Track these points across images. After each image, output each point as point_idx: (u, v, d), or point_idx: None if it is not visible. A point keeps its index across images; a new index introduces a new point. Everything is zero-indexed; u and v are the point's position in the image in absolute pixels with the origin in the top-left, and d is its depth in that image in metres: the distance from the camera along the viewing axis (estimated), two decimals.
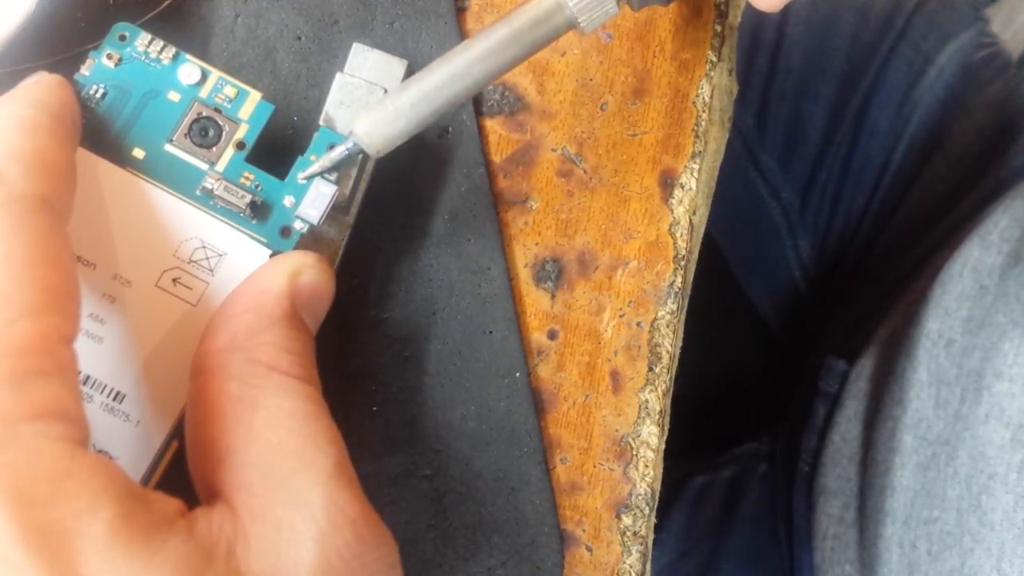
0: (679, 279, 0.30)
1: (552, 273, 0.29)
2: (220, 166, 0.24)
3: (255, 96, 0.25)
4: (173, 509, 0.20)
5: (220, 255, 0.24)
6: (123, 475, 0.19)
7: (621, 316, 0.29)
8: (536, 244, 0.29)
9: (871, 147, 0.58)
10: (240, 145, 0.25)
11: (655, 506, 0.30)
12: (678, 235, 0.30)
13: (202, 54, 0.28)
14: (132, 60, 0.25)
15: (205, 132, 0.24)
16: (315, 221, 0.24)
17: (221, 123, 0.25)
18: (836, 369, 0.52)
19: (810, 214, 0.60)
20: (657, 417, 0.29)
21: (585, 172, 0.30)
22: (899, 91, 0.57)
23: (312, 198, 0.24)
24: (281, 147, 0.28)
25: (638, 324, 0.29)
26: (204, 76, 0.25)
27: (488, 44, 0.24)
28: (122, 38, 0.25)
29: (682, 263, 0.30)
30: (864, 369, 0.49)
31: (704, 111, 0.30)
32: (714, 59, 0.31)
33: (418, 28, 0.29)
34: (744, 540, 0.55)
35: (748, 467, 0.58)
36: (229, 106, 0.25)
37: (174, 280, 0.24)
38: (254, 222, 0.24)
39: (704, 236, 0.31)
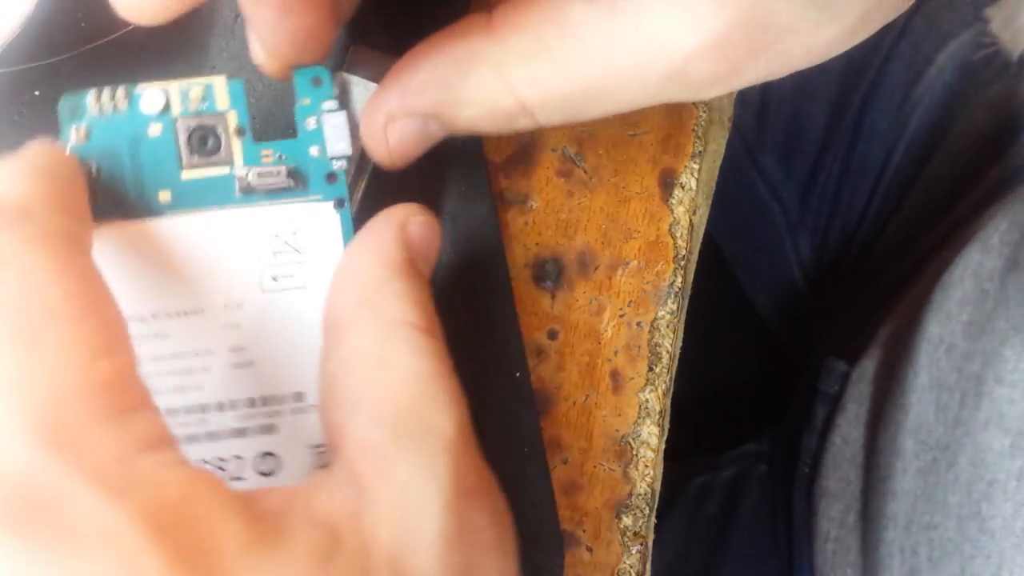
0: (679, 279, 0.30)
1: (552, 273, 0.29)
2: (238, 160, 0.24)
3: (220, 81, 0.24)
4: (285, 495, 0.20)
5: (295, 233, 0.24)
6: (224, 481, 0.19)
7: (621, 316, 0.29)
8: (536, 244, 0.29)
9: (871, 147, 0.58)
10: (240, 132, 0.24)
11: (655, 506, 0.30)
12: (678, 235, 0.30)
13: (202, 55, 0.28)
14: (96, 124, 0.24)
15: (205, 141, 0.24)
16: (349, 151, 0.24)
17: (211, 124, 0.24)
18: (836, 370, 0.52)
19: (810, 214, 0.60)
20: (657, 417, 0.29)
21: (585, 172, 0.30)
22: (899, 91, 0.57)
23: (333, 136, 0.24)
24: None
25: (638, 324, 0.29)
26: (166, 95, 0.24)
27: None
28: (72, 111, 0.24)
29: (682, 263, 0.30)
30: (865, 371, 0.49)
31: (704, 111, 0.30)
32: None
33: (418, 28, 0.29)
34: (744, 541, 0.55)
35: (748, 468, 0.58)
36: (206, 105, 0.24)
37: (274, 278, 0.24)
38: (299, 188, 0.24)
39: (704, 236, 0.31)
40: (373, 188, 0.27)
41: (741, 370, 0.67)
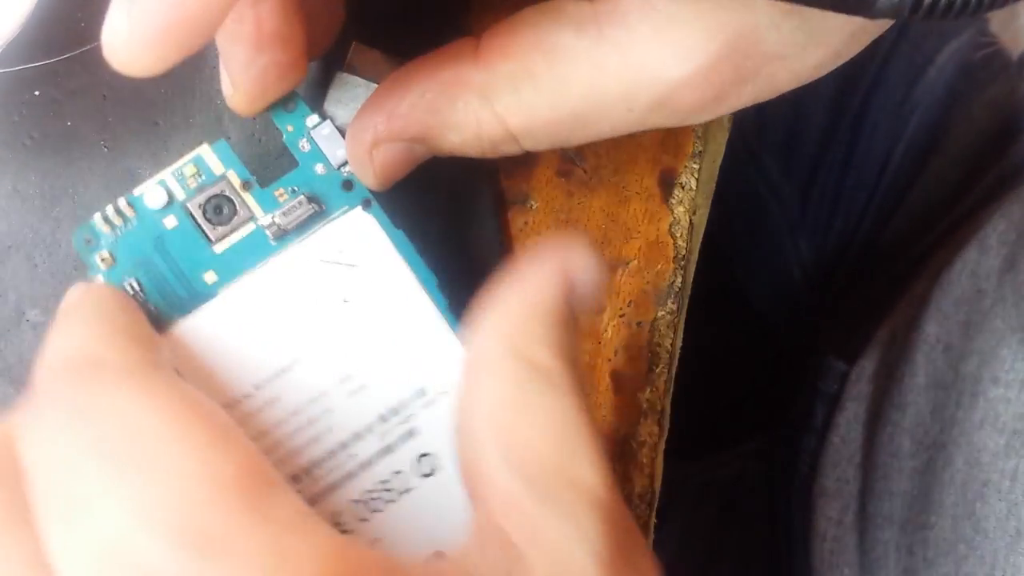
0: (679, 279, 0.30)
1: None
2: (258, 212, 0.24)
3: (206, 149, 0.24)
4: (436, 561, 0.19)
5: (341, 251, 0.24)
6: (376, 551, 0.19)
7: (621, 316, 0.29)
8: (536, 244, 0.29)
9: (871, 146, 0.58)
10: (247, 185, 0.24)
11: (655, 506, 0.30)
12: (678, 235, 0.30)
13: (201, 54, 0.28)
14: (116, 244, 0.24)
15: (220, 210, 0.24)
16: (344, 167, 0.25)
17: (217, 191, 0.24)
18: (835, 369, 0.52)
19: (810, 213, 0.60)
20: (657, 417, 0.29)
21: (585, 172, 0.30)
22: (899, 90, 0.57)
23: (329, 147, 0.25)
24: (280, 147, 0.28)
25: (638, 324, 0.29)
26: (165, 188, 0.24)
27: None
28: (88, 241, 0.24)
29: (682, 263, 0.30)
30: (864, 371, 0.49)
31: None
32: None
33: (418, 28, 0.29)
34: (743, 540, 0.55)
35: (748, 467, 0.58)
36: (204, 177, 0.24)
37: (345, 300, 0.24)
38: (325, 209, 0.25)
39: (704, 236, 0.31)
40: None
41: (741, 370, 0.67)
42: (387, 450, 0.24)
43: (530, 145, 0.24)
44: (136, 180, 0.28)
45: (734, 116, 0.32)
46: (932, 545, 0.41)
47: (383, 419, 0.24)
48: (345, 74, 0.27)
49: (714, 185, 0.32)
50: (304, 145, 0.25)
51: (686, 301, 0.30)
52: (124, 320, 0.22)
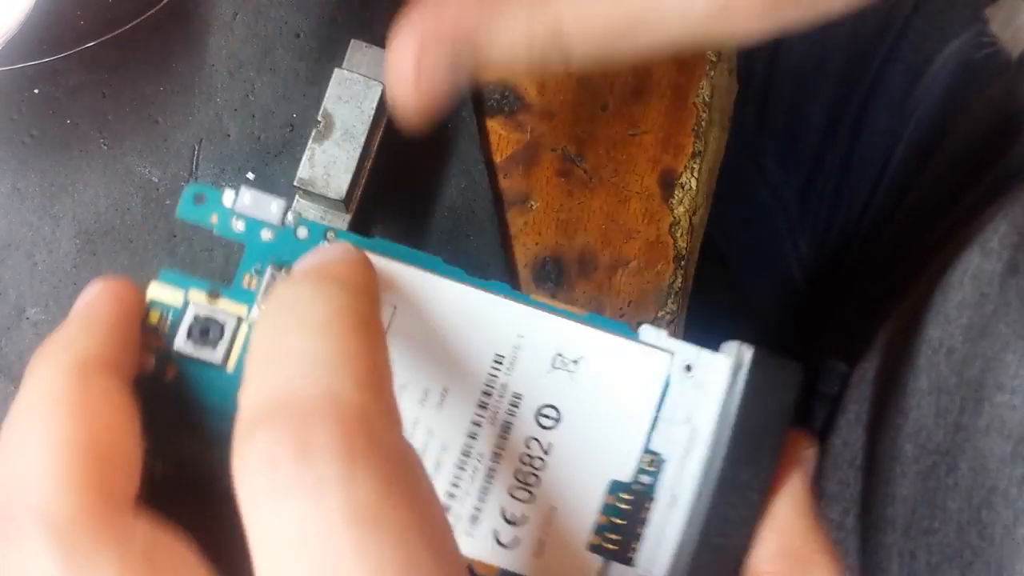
0: (679, 279, 0.30)
1: (552, 273, 0.29)
2: (242, 310, 0.23)
3: (154, 288, 0.23)
4: None
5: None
6: None
7: (621, 316, 0.29)
8: (536, 244, 0.29)
9: (871, 147, 0.57)
10: (214, 295, 0.23)
11: None
12: (678, 235, 0.30)
13: (201, 52, 0.28)
14: (192, 397, 0.22)
15: (207, 333, 0.22)
16: (284, 205, 0.23)
17: (191, 317, 0.22)
18: (836, 371, 0.52)
19: (810, 214, 0.60)
20: None
21: (585, 172, 0.30)
22: (899, 91, 0.57)
23: (262, 211, 0.23)
24: (279, 146, 0.28)
25: (638, 324, 0.29)
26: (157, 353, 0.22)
27: None
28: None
29: (682, 263, 0.30)
30: (866, 373, 0.49)
31: (704, 111, 0.30)
32: (714, 59, 0.31)
33: None
34: None
35: None
36: (171, 315, 0.22)
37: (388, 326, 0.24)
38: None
39: (704, 236, 0.31)
40: (373, 186, 0.27)
41: None
42: (507, 428, 0.23)
43: (580, 53, 0.23)
44: (136, 178, 0.28)
45: (734, 116, 0.32)
46: (936, 551, 0.41)
47: (483, 405, 0.23)
48: (344, 71, 0.27)
49: (714, 185, 0.32)
50: (239, 226, 0.23)
51: (686, 301, 0.30)
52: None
